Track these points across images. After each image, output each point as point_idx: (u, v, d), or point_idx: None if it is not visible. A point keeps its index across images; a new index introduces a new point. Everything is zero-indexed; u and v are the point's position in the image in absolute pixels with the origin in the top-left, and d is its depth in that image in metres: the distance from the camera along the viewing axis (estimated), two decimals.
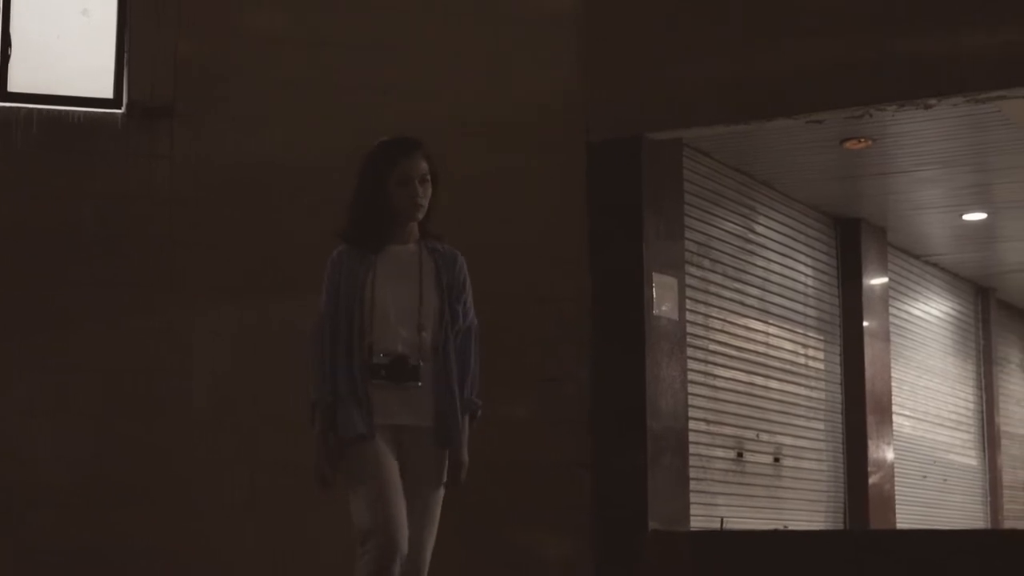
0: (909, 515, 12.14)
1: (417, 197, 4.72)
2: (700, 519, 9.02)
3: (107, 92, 8.36)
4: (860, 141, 9.49)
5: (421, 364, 4.66)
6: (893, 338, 12.31)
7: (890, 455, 11.74)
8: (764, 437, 10.33)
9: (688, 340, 9.19)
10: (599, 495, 8.43)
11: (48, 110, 8.22)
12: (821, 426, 11.25)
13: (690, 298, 9.32)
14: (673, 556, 5.11)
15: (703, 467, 9.43)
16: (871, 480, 11.37)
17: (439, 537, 4.90)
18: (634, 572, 5.27)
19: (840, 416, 11.49)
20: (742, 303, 10.23)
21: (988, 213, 11.65)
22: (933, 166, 10.23)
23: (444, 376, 4.72)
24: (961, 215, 11.69)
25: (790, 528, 9.94)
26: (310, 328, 4.84)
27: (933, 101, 8.00)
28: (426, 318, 4.67)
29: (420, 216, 4.77)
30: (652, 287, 8.65)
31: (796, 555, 4.82)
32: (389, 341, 4.63)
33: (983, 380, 14.87)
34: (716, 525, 9.00)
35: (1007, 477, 15.22)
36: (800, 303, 11.10)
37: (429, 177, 4.79)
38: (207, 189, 8.38)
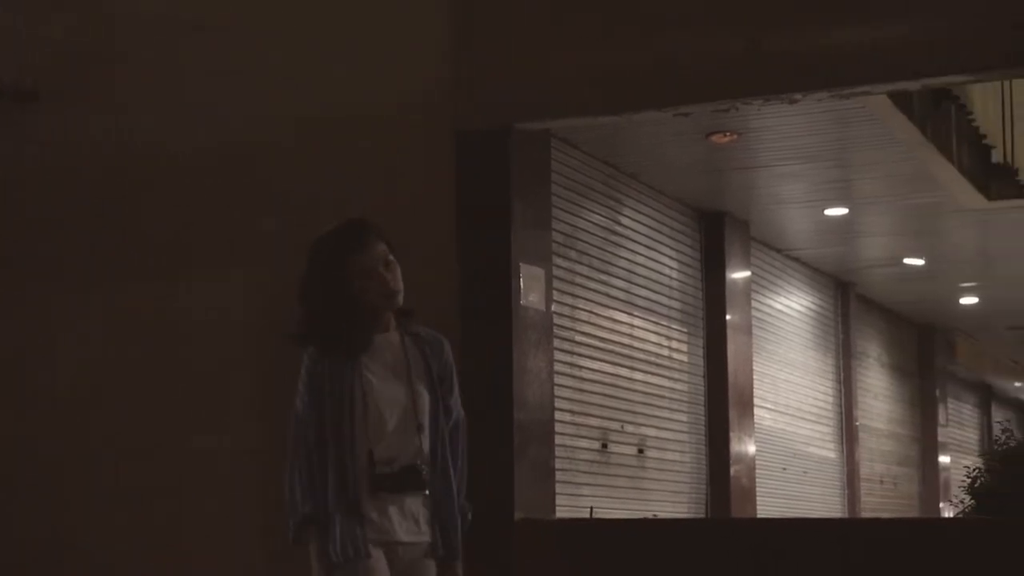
0: (769, 506, 12.30)
1: (389, 285, 4.30)
2: (565, 509, 9.02)
3: None
4: (726, 135, 9.57)
5: (425, 471, 4.24)
6: (755, 331, 12.46)
7: (751, 447, 11.87)
8: (628, 428, 10.38)
9: (555, 331, 9.18)
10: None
11: None
12: (684, 418, 11.34)
13: (557, 289, 9.31)
14: (541, 545, 5.09)
15: (568, 458, 9.44)
16: (733, 471, 11.49)
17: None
18: (501, 562, 5.23)
19: (703, 408, 11.60)
20: (608, 295, 10.27)
21: (849, 208, 11.83)
22: (796, 161, 10.35)
23: (443, 481, 4.29)
24: (823, 210, 11.86)
25: (658, 517, 10.00)
26: (288, 436, 4.34)
27: (798, 96, 8.05)
28: (422, 417, 4.22)
29: (399, 302, 4.34)
30: (519, 277, 8.62)
31: (662, 543, 4.82)
32: (393, 448, 4.16)
33: (842, 374, 15.11)
34: (581, 515, 9.01)
35: (864, 470, 15.50)
36: (665, 295, 11.17)
37: (391, 257, 4.37)
38: (76, 174, 8.22)
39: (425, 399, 4.26)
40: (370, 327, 4.28)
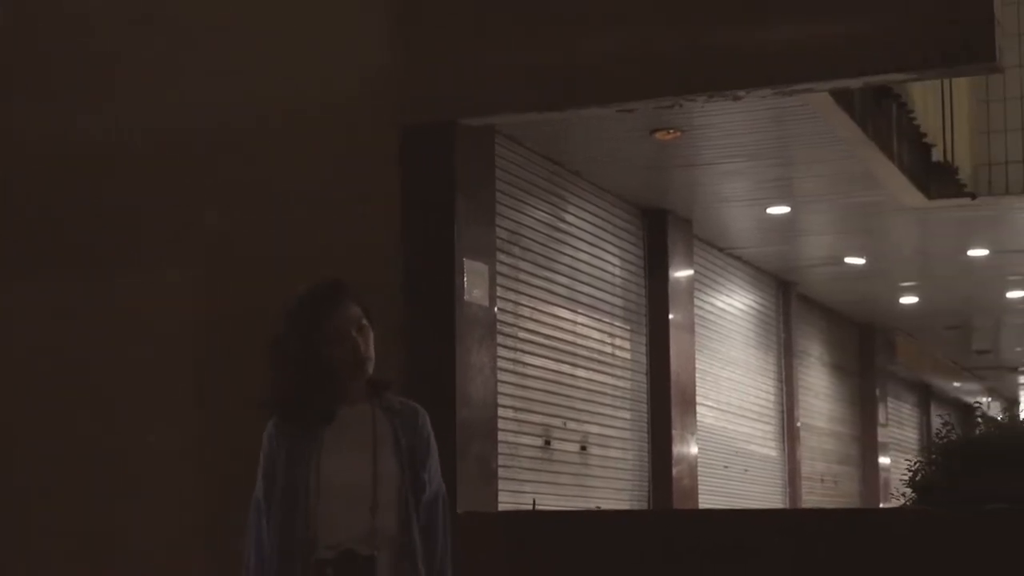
0: (711, 504, 12.33)
1: (360, 351, 3.93)
2: (508, 506, 9.02)
3: None
4: (669, 132, 9.58)
5: (376, 555, 3.80)
6: (698, 330, 12.49)
7: (694, 445, 11.90)
8: (571, 425, 10.38)
9: (498, 327, 9.17)
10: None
11: None
12: (627, 415, 11.35)
13: (500, 285, 9.30)
14: (484, 538, 5.08)
15: (511, 454, 9.43)
16: (675, 469, 11.52)
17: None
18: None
19: (646, 406, 11.62)
20: (551, 291, 10.26)
21: (791, 207, 11.88)
22: (739, 159, 10.39)
23: (408, 566, 3.88)
24: (765, 208, 11.90)
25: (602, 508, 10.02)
26: (247, 520, 4.03)
27: (742, 93, 8.08)
28: (382, 495, 3.83)
29: (370, 370, 3.98)
30: (463, 273, 8.60)
31: (605, 534, 4.82)
32: (337, 530, 3.81)
33: (783, 373, 15.20)
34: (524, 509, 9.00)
35: (805, 468, 15.58)
36: (608, 293, 11.18)
37: (365, 321, 4.03)
38: (18, 166, 8.16)
39: (390, 476, 3.85)
40: (335, 398, 3.93)
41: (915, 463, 5.58)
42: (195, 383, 8.40)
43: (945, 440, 5.58)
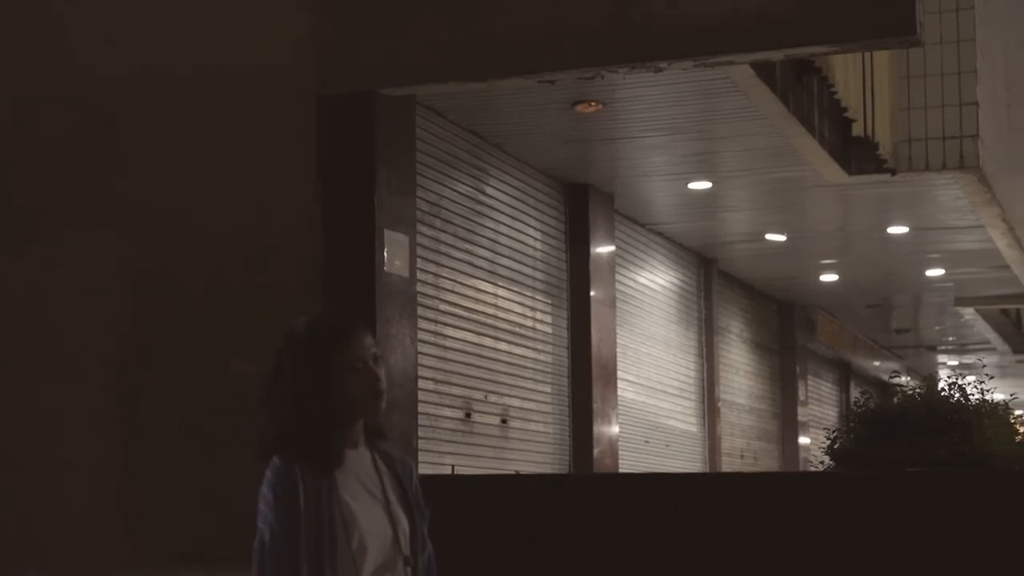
0: None
1: (379, 383, 3.54)
2: None
3: None
4: (591, 104, 9.55)
5: None
6: (619, 305, 12.50)
7: (614, 419, 11.91)
8: (492, 398, 10.35)
9: (418, 299, 9.12)
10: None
11: None
12: (548, 389, 11.34)
13: (421, 257, 9.25)
14: None
15: (431, 426, 9.39)
16: (595, 443, 11.52)
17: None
18: None
19: (567, 380, 11.61)
20: (472, 264, 10.22)
21: (712, 182, 11.90)
22: (661, 132, 10.38)
23: None
24: (687, 183, 11.91)
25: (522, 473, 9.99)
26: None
27: (663, 64, 8.05)
28: (407, 548, 3.54)
29: (383, 409, 3.60)
30: (383, 244, 8.53)
31: (525, 498, 4.79)
32: None
33: (704, 349, 15.25)
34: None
35: (725, 444, 15.67)
36: (529, 267, 11.16)
37: (378, 352, 3.65)
38: None
39: (406, 525, 3.55)
40: (345, 438, 3.55)
41: (834, 432, 5.60)
42: (111, 352, 8.28)
43: (863, 409, 5.61)
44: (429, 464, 9.16)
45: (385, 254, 8.52)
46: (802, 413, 18.48)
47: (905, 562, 4.40)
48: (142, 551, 8.05)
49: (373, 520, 3.48)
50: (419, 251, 9.16)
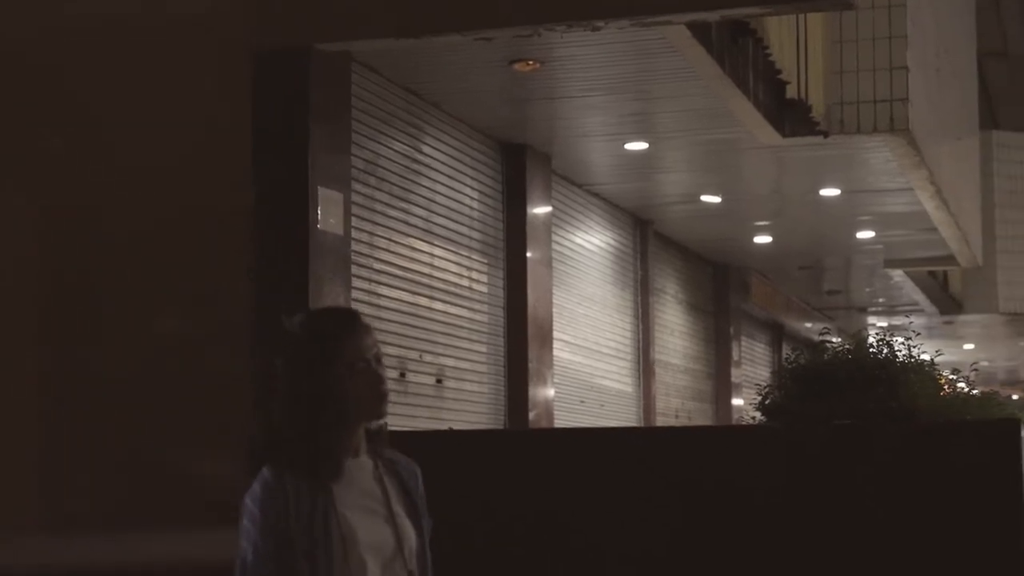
0: None
1: (383, 384, 3.27)
2: None
3: None
4: (528, 63, 9.54)
5: None
6: (555, 265, 12.54)
7: (550, 379, 11.96)
8: (427, 358, 10.36)
9: (353, 258, 9.10)
10: (259, 410, 8.28)
11: None
12: (483, 349, 11.36)
13: (355, 215, 9.22)
14: None
15: None
16: (530, 403, 11.57)
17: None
18: None
19: (502, 340, 11.64)
20: (407, 223, 10.20)
21: (649, 143, 11.93)
22: (598, 92, 10.39)
23: None
24: (623, 144, 11.94)
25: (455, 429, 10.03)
26: None
27: (600, 23, 8.06)
28: (412, 562, 3.26)
29: (387, 412, 3.34)
30: (317, 202, 8.51)
31: (459, 453, 4.82)
32: None
33: (640, 310, 15.33)
34: None
35: (660, 404, 15.78)
36: (465, 226, 11.15)
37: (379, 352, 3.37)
38: None
39: (412, 539, 3.27)
40: (345, 446, 3.26)
41: (765, 388, 5.67)
42: (33, 308, 8.20)
43: (794, 366, 5.69)
44: None
45: (319, 212, 8.50)
46: (736, 374, 18.64)
47: (834, 512, 4.48)
48: (59, 514, 7.98)
49: (374, 534, 3.20)
50: (354, 209, 9.14)
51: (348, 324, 3.31)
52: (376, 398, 3.27)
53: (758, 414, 5.63)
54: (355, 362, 3.23)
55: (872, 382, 5.31)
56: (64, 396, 8.25)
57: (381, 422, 3.31)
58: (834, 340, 5.97)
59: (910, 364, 5.60)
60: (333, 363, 3.22)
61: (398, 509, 3.27)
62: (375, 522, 3.22)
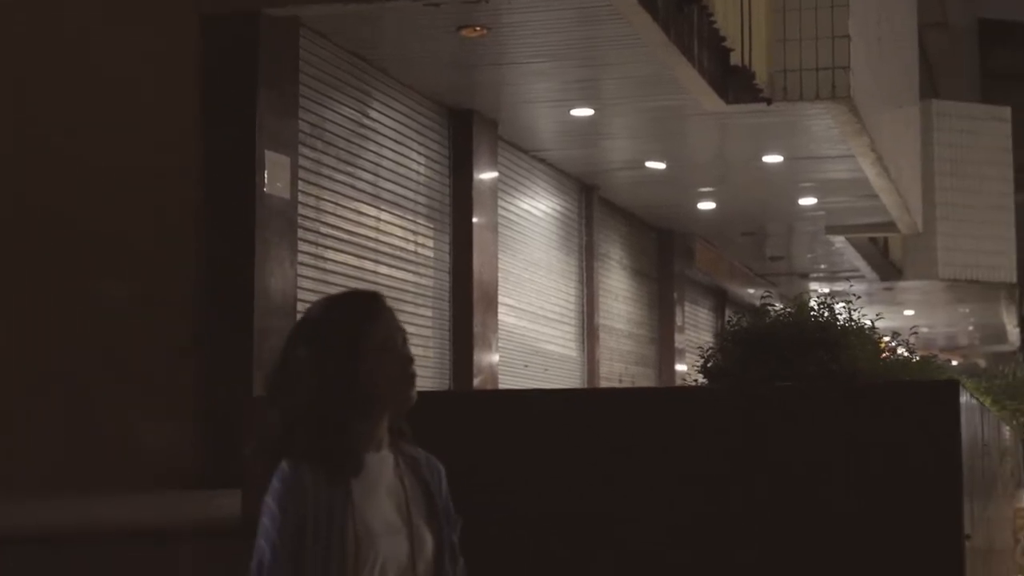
0: None
1: (413, 364, 3.06)
2: None
3: None
4: (476, 29, 9.58)
5: None
6: (501, 231, 12.60)
7: (495, 344, 12.04)
8: None
9: (299, 222, 9.14)
10: (206, 375, 8.33)
11: None
12: (429, 313, 11.42)
13: (302, 179, 9.26)
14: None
15: None
16: (475, 367, 11.64)
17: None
18: (238, 446, 5.22)
19: (448, 304, 11.70)
20: (354, 187, 10.24)
21: (595, 109, 12.00)
22: (545, 59, 10.43)
23: None
24: (569, 110, 12.00)
25: None
26: None
27: None
28: (425, 571, 3.06)
29: (415, 398, 3.09)
30: (264, 165, 8.53)
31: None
32: None
33: (585, 275, 15.41)
34: None
35: (604, 368, 15.89)
36: (412, 191, 11.19)
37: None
38: None
39: (429, 545, 3.07)
40: (367, 438, 3.04)
41: (707, 350, 5.76)
42: None
43: (736, 328, 5.77)
44: None
45: (266, 175, 8.53)
46: (679, 339, 18.77)
47: (775, 473, 4.57)
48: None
49: (390, 537, 2.99)
50: (301, 173, 9.17)
51: (374, 305, 3.09)
52: (406, 380, 3.06)
53: (700, 377, 5.71)
54: (384, 343, 3.02)
55: (813, 345, 5.39)
56: (8, 362, 8.25)
57: (409, 409, 3.08)
58: (776, 304, 6.05)
59: (851, 328, 5.69)
60: (361, 346, 3.00)
61: (416, 510, 3.05)
62: (392, 524, 3.01)
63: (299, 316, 3.19)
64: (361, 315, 3.05)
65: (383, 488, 3.02)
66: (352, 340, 3.00)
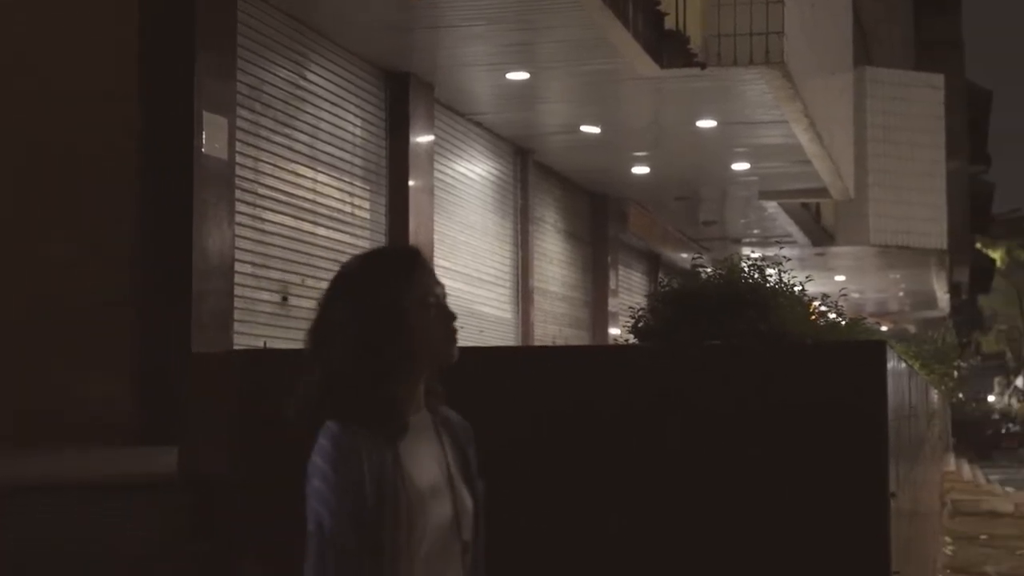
0: None
1: (455, 320, 2.96)
2: None
3: None
4: None
5: None
6: (437, 193, 12.66)
7: None
8: (309, 282, 10.45)
9: (237, 183, 9.16)
10: (143, 333, 8.36)
11: None
12: None
13: (240, 141, 9.28)
14: (215, 377, 5.15)
15: (248, 309, 9.47)
16: None
17: None
18: (176, 400, 5.29)
19: None
20: (291, 149, 10.27)
21: (530, 73, 12.05)
22: (481, 22, 10.48)
23: None
24: (505, 74, 12.04)
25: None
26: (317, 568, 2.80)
27: None
28: (467, 533, 2.95)
29: (456, 358, 2.97)
30: (202, 126, 8.54)
31: None
32: None
33: (519, 238, 15.50)
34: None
35: (538, 331, 16.00)
36: (349, 153, 11.24)
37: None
38: None
39: (470, 508, 2.96)
40: (411, 398, 2.92)
41: (639, 311, 5.84)
42: None
43: (667, 289, 5.87)
44: (244, 347, 9.26)
45: (204, 136, 8.54)
46: (612, 303, 18.90)
47: (703, 432, 4.66)
48: None
49: (437, 500, 2.89)
50: (238, 135, 9.19)
51: (414, 259, 2.99)
52: (449, 336, 2.94)
53: (631, 338, 5.79)
54: (426, 298, 2.91)
55: (743, 306, 5.47)
56: None
57: (450, 366, 2.96)
58: (708, 268, 6.14)
59: (780, 289, 5.78)
60: (403, 302, 2.88)
61: (456, 473, 2.96)
62: (437, 488, 2.90)
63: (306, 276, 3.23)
64: (403, 271, 2.94)
65: (425, 450, 2.92)
66: (395, 297, 2.88)
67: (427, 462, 2.89)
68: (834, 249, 25.11)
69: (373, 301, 2.88)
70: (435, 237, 12.44)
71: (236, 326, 8.99)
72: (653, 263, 22.53)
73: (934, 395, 14.12)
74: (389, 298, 2.88)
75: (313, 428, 2.82)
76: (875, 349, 4.81)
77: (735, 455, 4.61)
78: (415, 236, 11.89)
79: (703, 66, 11.56)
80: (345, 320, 2.87)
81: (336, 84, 11.00)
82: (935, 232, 25.35)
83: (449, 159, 13.38)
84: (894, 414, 4.99)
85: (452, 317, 2.94)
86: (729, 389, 4.67)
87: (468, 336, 13.75)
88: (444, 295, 2.96)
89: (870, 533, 4.53)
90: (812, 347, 5.18)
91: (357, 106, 11.39)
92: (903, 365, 6.59)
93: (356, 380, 2.85)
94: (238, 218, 9.16)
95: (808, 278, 6.62)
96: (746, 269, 5.77)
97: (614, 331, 18.49)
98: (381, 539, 2.77)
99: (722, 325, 5.29)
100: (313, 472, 2.80)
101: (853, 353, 4.87)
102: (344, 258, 9.70)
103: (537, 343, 15.72)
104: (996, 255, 66.12)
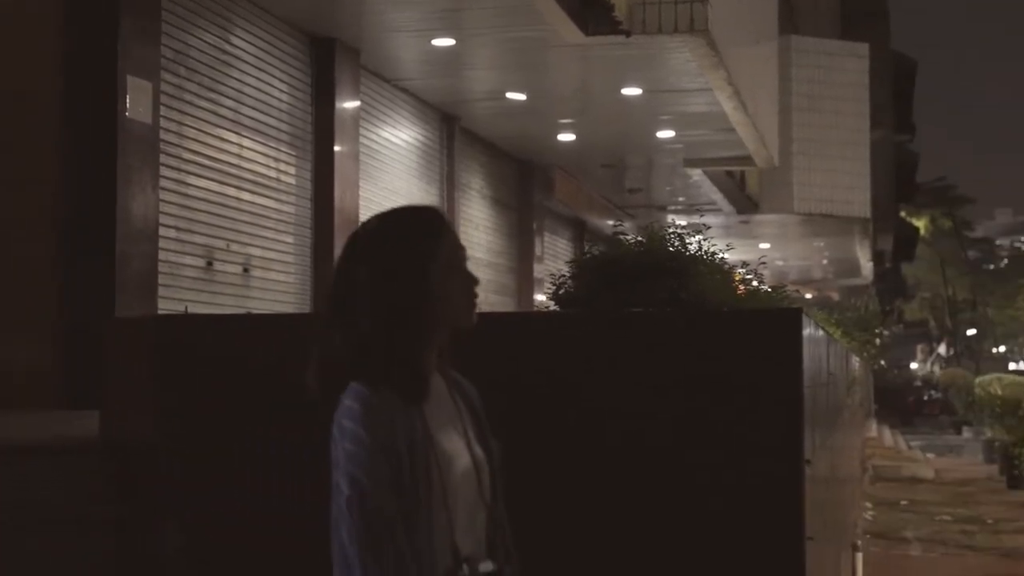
0: None
1: (478, 283, 2.92)
2: None
3: None
4: None
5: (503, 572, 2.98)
6: (363, 159, 12.66)
7: None
8: (234, 247, 10.45)
9: (161, 147, 9.14)
10: (66, 297, 8.34)
11: None
12: (290, 239, 11.48)
13: (165, 105, 9.25)
14: (136, 343, 5.16)
15: (172, 274, 9.45)
16: None
17: None
18: (99, 364, 5.29)
19: (309, 231, 11.77)
20: (216, 114, 10.23)
21: (456, 39, 12.06)
22: None
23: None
24: (431, 40, 12.05)
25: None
26: (354, 528, 2.69)
27: None
28: (487, 494, 2.95)
29: (475, 322, 2.93)
30: (126, 90, 8.51)
31: (261, 337, 4.99)
32: (467, 544, 2.87)
33: (446, 205, 15.53)
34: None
35: None
36: (274, 118, 11.21)
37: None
38: None
39: (486, 467, 2.96)
40: (430, 358, 2.89)
41: (560, 278, 5.88)
42: None
43: (588, 257, 5.91)
44: (169, 312, 9.25)
45: (128, 101, 8.52)
46: (538, 269, 18.99)
47: (617, 394, 4.72)
48: None
49: (461, 463, 2.86)
50: (163, 99, 9.16)
51: (439, 220, 2.91)
52: (469, 300, 2.89)
53: (552, 304, 5.84)
54: (452, 259, 2.85)
55: (663, 273, 5.51)
56: None
57: (471, 329, 2.90)
58: (630, 235, 6.18)
59: (701, 257, 5.83)
60: (428, 263, 2.82)
61: (472, 435, 2.94)
62: (458, 450, 2.87)
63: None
64: (429, 232, 2.87)
65: (444, 412, 2.89)
66: (419, 260, 2.83)
67: (447, 424, 2.87)
68: (758, 217, 25.29)
69: (396, 266, 2.82)
70: (360, 203, 12.45)
71: (160, 290, 8.98)
72: (579, 230, 22.63)
73: (855, 362, 14.30)
74: (418, 260, 2.82)
75: (334, 393, 2.76)
76: (791, 316, 4.84)
77: (647, 421, 4.66)
78: (340, 202, 11.90)
79: (628, 34, 11.61)
80: (370, 282, 2.81)
81: (261, 49, 10.97)
82: (859, 200, 25.59)
83: (375, 125, 13.38)
84: (810, 381, 5.05)
85: (475, 281, 2.89)
86: (646, 357, 4.73)
87: None
88: (466, 256, 2.90)
89: (784, 499, 4.58)
90: (728, 314, 5.22)
91: (282, 71, 11.36)
92: (821, 332, 6.67)
93: (383, 342, 2.79)
94: (162, 182, 9.15)
95: (729, 246, 6.67)
96: (667, 237, 5.82)
97: (539, 297, 18.56)
98: (418, 500, 2.73)
99: (642, 292, 5.34)
100: (343, 435, 2.73)
101: (769, 321, 4.90)
102: (270, 224, 9.74)
103: None
104: (920, 224, 66.88)
